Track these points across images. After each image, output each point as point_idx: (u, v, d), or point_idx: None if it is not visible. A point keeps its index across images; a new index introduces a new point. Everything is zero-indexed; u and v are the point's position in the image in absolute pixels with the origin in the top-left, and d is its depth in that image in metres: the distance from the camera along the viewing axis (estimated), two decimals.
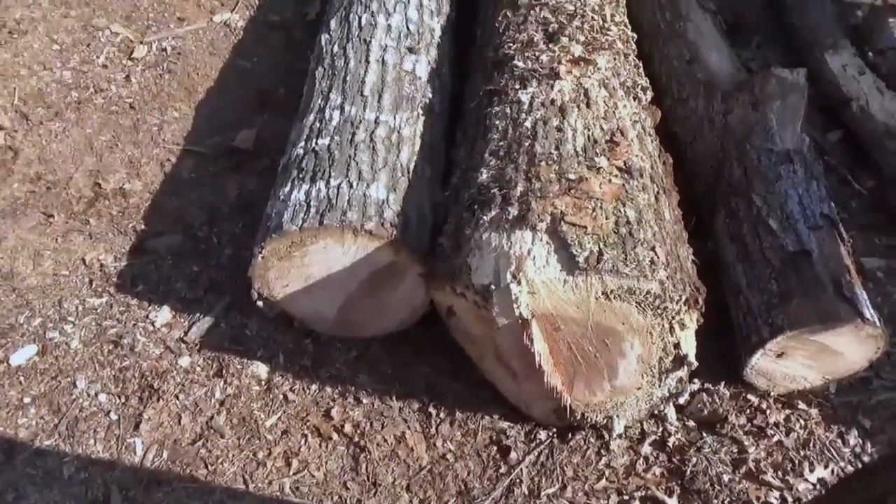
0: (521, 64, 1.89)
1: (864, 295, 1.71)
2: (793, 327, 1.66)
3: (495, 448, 1.74)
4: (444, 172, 1.94)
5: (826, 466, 1.72)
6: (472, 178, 1.65)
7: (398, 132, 1.86)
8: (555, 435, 1.76)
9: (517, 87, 1.82)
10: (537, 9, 2.09)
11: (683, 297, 1.45)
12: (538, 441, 1.74)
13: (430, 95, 2.03)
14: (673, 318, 1.45)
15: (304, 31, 2.94)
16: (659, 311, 1.42)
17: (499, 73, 1.93)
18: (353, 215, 1.62)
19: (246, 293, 1.79)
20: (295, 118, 2.05)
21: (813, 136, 2.29)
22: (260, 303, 1.79)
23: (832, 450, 1.76)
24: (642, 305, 1.41)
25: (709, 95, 2.29)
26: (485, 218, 1.51)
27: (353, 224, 1.61)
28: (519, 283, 1.37)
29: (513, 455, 1.71)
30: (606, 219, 1.45)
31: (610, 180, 1.54)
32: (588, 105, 1.76)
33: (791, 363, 1.77)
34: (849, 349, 1.72)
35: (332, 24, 2.24)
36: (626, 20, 2.30)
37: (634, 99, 1.92)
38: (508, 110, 1.77)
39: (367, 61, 2.02)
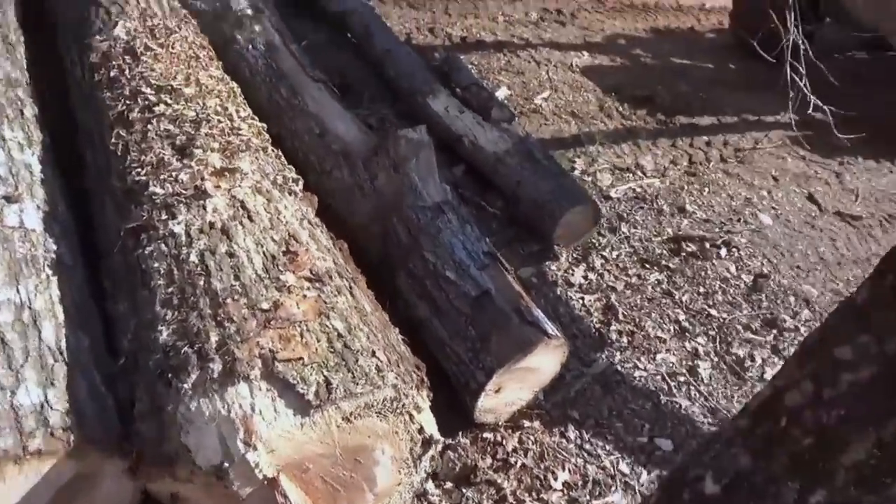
0: (159, 189, 1.68)
1: (541, 312, 1.95)
2: (501, 365, 1.81)
3: None
4: (106, 332, 1.63)
5: (563, 468, 1.93)
6: (151, 339, 1.42)
7: (30, 308, 1.51)
8: None
9: (165, 217, 1.62)
10: (154, 122, 1.90)
11: (413, 385, 1.47)
12: None
13: (56, 247, 1.69)
14: (409, 408, 1.45)
15: None
16: (397, 410, 1.40)
17: (136, 204, 1.69)
18: (8, 441, 1.26)
19: None
20: None
21: (443, 173, 2.54)
22: None
23: (562, 451, 1.98)
24: (382, 412, 1.38)
25: (350, 165, 2.36)
26: (185, 385, 1.31)
27: (12, 452, 1.24)
28: (255, 448, 1.22)
29: None
30: (318, 341, 1.38)
31: (304, 296, 1.47)
32: (250, 218, 1.65)
33: (507, 393, 1.93)
34: (544, 362, 1.94)
35: None
36: (250, 111, 2.23)
37: (291, 194, 1.87)
38: (165, 247, 1.57)
39: None
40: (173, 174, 1.72)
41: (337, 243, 1.88)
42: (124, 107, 1.97)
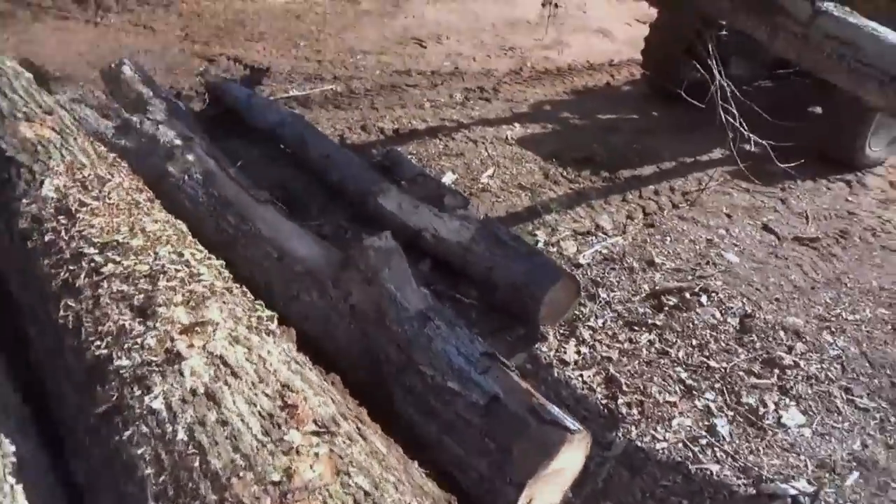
0: (125, 361, 1.51)
1: (555, 407, 1.83)
2: (530, 475, 1.67)
3: None
4: None
5: None
6: None
7: None
8: None
9: (139, 392, 1.44)
10: (104, 284, 1.73)
11: None
12: None
13: (13, 448, 1.47)
14: None
15: None
16: None
17: (101, 383, 1.50)
18: None
19: None
20: None
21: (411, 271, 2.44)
22: None
23: None
24: None
25: (318, 286, 2.23)
26: None
27: None
28: None
29: None
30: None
31: (316, 454, 1.31)
32: (235, 374, 1.49)
33: (538, 499, 1.78)
34: (570, 459, 1.81)
35: None
36: (202, 248, 2.09)
37: (269, 335, 1.72)
38: (146, 428, 1.38)
39: None
40: (138, 341, 1.55)
41: (328, 378, 1.73)
42: (67, 273, 1.79)
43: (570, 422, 1.78)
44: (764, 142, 3.18)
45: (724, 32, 4.27)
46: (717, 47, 4.31)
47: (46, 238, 1.94)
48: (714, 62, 3.22)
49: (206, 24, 5.57)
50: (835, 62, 2.20)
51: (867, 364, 2.51)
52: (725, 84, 3.14)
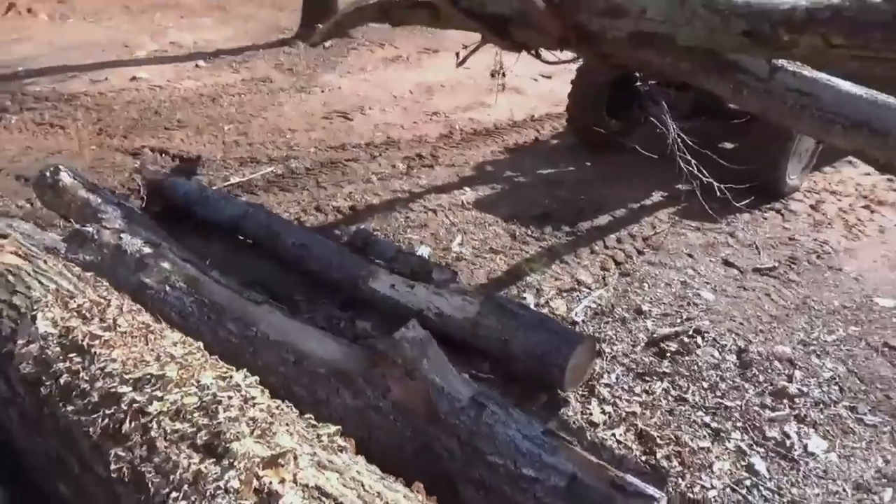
0: None
1: (631, 476, 1.83)
2: None
3: None
4: None
5: None
6: None
7: None
8: None
9: None
10: (154, 425, 1.56)
11: None
12: None
13: None
14: None
15: None
16: None
17: None
18: None
19: None
20: None
21: None
22: None
23: None
24: None
25: (350, 386, 2.13)
26: None
27: None
28: None
29: None
30: None
31: None
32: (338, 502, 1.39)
33: None
34: None
35: None
36: (231, 366, 1.95)
37: (342, 451, 1.62)
38: None
39: None
40: (220, 484, 1.41)
41: (414, 487, 1.64)
42: (105, 419, 1.61)
43: (651, 489, 1.78)
44: (716, 183, 3.40)
45: (638, 84, 4.59)
46: (635, 98, 4.65)
47: (62, 381, 1.75)
48: (666, 115, 3.44)
49: (118, 116, 5.32)
50: (798, 112, 2.41)
51: (858, 381, 2.70)
52: (676, 134, 3.35)
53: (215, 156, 4.70)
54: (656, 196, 4.31)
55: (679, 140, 3.28)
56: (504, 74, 4.03)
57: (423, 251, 3.47)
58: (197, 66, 6.79)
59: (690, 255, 3.59)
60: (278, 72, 6.81)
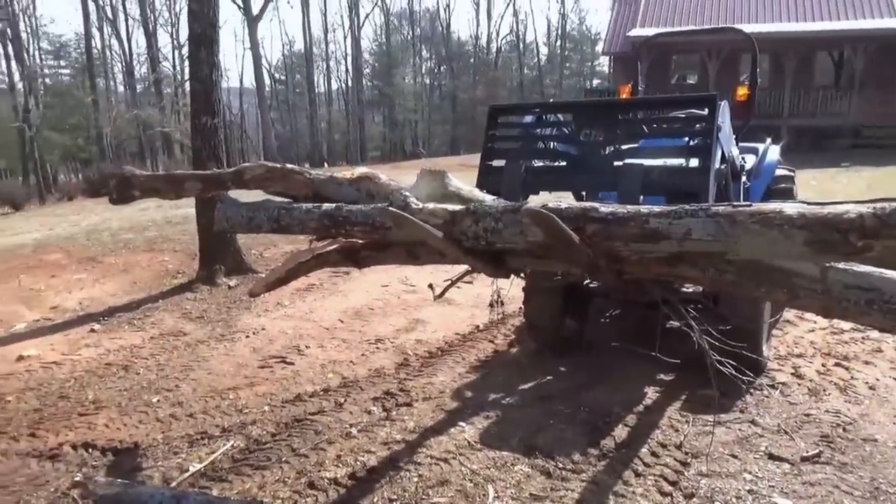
0: None
1: None
2: None
3: None
4: None
5: None
6: None
7: None
8: None
9: None
10: None
11: None
12: None
13: None
14: None
15: None
16: None
17: None
18: None
19: None
20: None
21: None
22: None
23: None
24: None
25: None
26: None
27: None
28: None
29: None
30: None
31: None
32: None
33: None
34: None
35: None
36: None
37: None
38: None
39: None
40: None
41: None
42: None
43: None
44: (723, 369, 3.26)
45: (592, 285, 4.64)
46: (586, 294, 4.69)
47: None
48: (687, 318, 3.38)
49: (15, 410, 4.42)
50: (864, 308, 2.40)
51: None
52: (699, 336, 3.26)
53: (155, 438, 3.94)
54: (650, 391, 4.17)
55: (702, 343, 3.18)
56: (503, 304, 3.87)
57: None
58: (92, 330, 6.04)
59: (734, 456, 3.37)
60: (189, 321, 6.23)
